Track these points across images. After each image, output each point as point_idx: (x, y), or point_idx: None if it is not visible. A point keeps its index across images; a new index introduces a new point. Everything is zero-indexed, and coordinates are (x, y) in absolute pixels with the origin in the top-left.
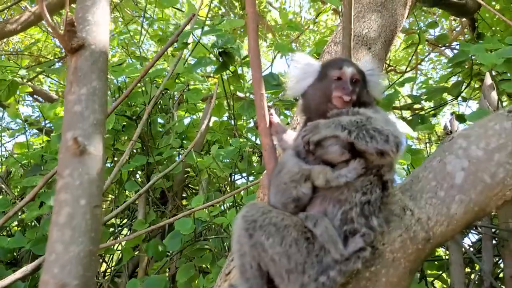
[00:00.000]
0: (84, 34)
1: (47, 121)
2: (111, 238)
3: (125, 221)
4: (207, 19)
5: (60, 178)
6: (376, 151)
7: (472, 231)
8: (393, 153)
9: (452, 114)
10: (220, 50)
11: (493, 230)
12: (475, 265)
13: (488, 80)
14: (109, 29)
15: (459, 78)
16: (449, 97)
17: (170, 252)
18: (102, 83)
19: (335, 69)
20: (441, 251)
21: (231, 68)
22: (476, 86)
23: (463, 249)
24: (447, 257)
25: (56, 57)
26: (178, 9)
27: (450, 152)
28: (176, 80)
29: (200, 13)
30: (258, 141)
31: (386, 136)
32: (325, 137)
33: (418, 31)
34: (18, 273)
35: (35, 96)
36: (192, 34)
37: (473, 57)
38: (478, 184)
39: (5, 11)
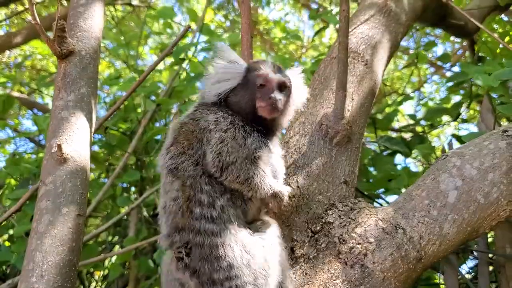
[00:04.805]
0: (75, 40)
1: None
2: (101, 255)
3: (116, 238)
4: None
5: (43, 185)
6: None
7: (468, 256)
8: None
9: (452, 135)
10: None
11: (490, 255)
12: None
13: (486, 103)
14: (101, 37)
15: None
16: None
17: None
18: (91, 90)
19: (260, 75)
20: (436, 278)
21: None
22: (477, 108)
23: (458, 275)
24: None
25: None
26: (172, 21)
27: (443, 170)
28: (173, 95)
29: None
30: None
31: None
32: None
33: (417, 50)
34: (5, 285)
35: (35, 110)
36: (190, 49)
37: (472, 79)
38: (471, 204)
39: (8, 24)
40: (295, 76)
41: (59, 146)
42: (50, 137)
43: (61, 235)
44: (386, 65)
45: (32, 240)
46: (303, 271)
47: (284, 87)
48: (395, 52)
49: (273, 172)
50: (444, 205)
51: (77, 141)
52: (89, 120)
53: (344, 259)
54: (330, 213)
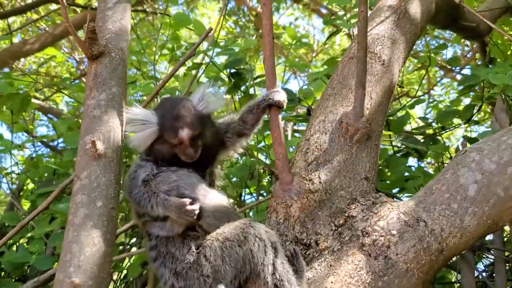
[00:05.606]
0: (105, 42)
1: (60, 140)
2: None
3: (134, 240)
4: (221, 39)
5: (78, 180)
6: None
7: (485, 254)
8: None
9: (464, 137)
10: (232, 71)
11: (506, 254)
12: None
13: (500, 103)
14: (129, 39)
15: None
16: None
17: None
18: (121, 90)
19: (172, 136)
20: (453, 277)
21: (243, 89)
22: (488, 110)
23: (475, 272)
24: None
25: (72, 77)
26: (191, 29)
27: (463, 165)
28: None
29: (215, 33)
30: (267, 161)
31: None
32: None
33: (428, 53)
34: (29, 284)
35: (49, 115)
36: (206, 54)
37: (484, 81)
38: (491, 197)
39: (23, 31)
40: (203, 99)
41: (93, 143)
42: (83, 134)
43: (96, 227)
44: (402, 65)
45: (69, 232)
46: (328, 263)
47: (196, 137)
48: (410, 52)
49: (175, 189)
50: (464, 199)
51: (110, 138)
52: (120, 118)
53: (367, 251)
54: (353, 207)
